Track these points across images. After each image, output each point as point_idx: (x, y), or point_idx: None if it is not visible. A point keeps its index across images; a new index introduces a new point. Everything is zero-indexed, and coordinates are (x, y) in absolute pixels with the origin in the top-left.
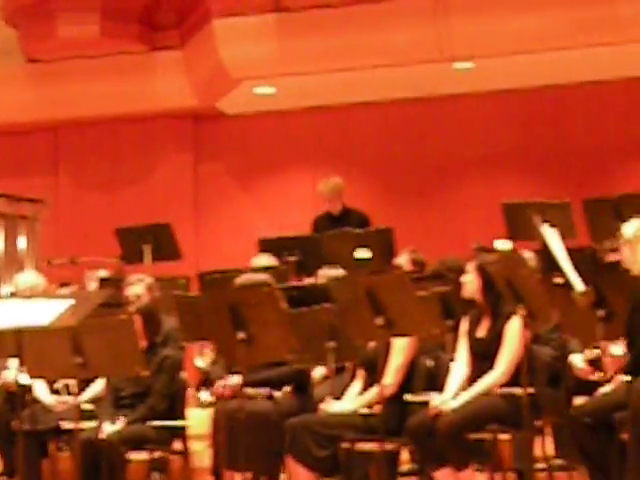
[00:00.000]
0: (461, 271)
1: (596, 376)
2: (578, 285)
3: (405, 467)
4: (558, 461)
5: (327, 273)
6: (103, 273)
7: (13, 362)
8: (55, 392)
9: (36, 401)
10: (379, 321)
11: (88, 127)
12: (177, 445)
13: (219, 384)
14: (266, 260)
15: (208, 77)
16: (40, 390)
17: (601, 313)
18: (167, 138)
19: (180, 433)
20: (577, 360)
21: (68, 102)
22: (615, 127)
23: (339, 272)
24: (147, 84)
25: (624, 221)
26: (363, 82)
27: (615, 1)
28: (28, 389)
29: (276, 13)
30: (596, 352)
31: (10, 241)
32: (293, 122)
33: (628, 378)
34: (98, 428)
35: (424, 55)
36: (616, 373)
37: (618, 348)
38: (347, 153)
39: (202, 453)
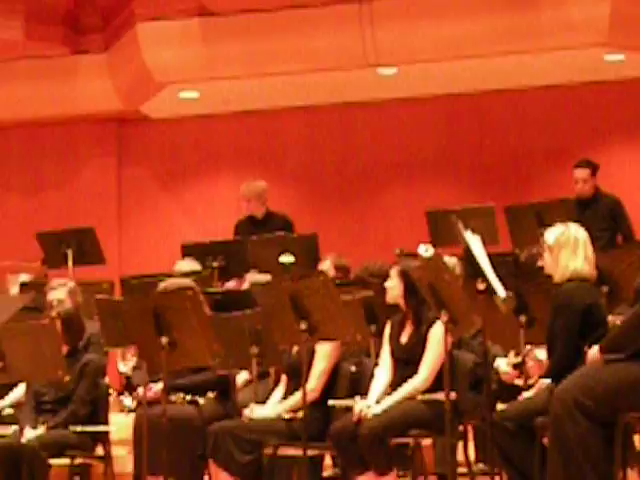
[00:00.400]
0: (385, 276)
1: (520, 380)
2: (500, 291)
3: (328, 472)
4: (480, 466)
5: (255, 277)
6: (25, 277)
7: None
8: None
9: None
10: (303, 326)
11: (11, 130)
12: (99, 450)
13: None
14: (189, 265)
15: (132, 81)
16: None
17: (523, 319)
18: (91, 142)
19: (102, 438)
20: (502, 364)
21: None
22: (536, 134)
23: (267, 277)
24: (71, 87)
25: (546, 227)
26: (288, 87)
27: (535, 10)
28: None
29: (201, 17)
30: (519, 357)
31: None
32: (217, 126)
33: (549, 382)
34: (19, 433)
35: (348, 61)
36: (539, 378)
37: (543, 352)
38: (272, 158)
39: (124, 458)
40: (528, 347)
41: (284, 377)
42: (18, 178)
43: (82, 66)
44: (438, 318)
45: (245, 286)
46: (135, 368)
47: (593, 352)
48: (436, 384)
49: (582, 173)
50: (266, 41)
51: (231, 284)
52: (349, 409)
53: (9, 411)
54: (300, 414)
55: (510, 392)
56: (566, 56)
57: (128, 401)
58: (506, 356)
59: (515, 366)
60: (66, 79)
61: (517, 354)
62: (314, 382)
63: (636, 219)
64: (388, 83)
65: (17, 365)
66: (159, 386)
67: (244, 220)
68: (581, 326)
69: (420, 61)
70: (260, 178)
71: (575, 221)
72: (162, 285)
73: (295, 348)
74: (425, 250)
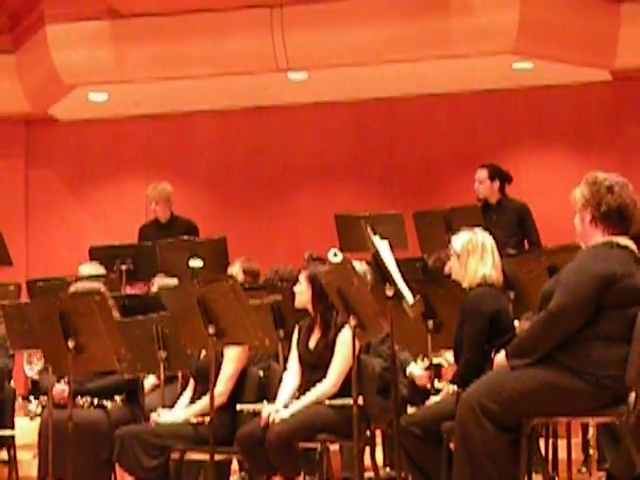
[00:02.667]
0: (294, 281)
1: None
2: (408, 296)
3: (235, 477)
4: (388, 471)
5: (163, 282)
6: None
7: None
8: None
9: None
10: (211, 330)
11: None
12: (3, 455)
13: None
14: (93, 268)
15: (41, 82)
16: None
17: (431, 324)
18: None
19: (7, 442)
20: (415, 369)
21: None
22: (446, 140)
23: (173, 281)
24: None
25: (454, 233)
26: (198, 91)
27: (444, 16)
28: None
29: (111, 20)
30: (429, 360)
31: None
32: (127, 129)
33: (455, 387)
34: None
35: (259, 65)
36: (447, 383)
37: (449, 359)
38: (181, 162)
39: (29, 463)
40: (439, 352)
41: (192, 381)
42: None
43: None
44: (346, 323)
45: (153, 290)
46: (42, 372)
47: (500, 357)
48: (344, 389)
49: (479, 174)
50: (176, 44)
51: (138, 288)
52: (257, 414)
53: None
54: (207, 418)
55: (421, 397)
56: (475, 63)
57: (33, 405)
58: (415, 361)
59: (427, 368)
60: None
61: (424, 358)
62: (222, 386)
63: (544, 225)
64: (298, 88)
65: None
66: (63, 387)
67: (148, 224)
68: (489, 332)
69: (330, 66)
70: (169, 181)
71: (482, 227)
72: (71, 288)
73: (203, 352)
74: (334, 255)
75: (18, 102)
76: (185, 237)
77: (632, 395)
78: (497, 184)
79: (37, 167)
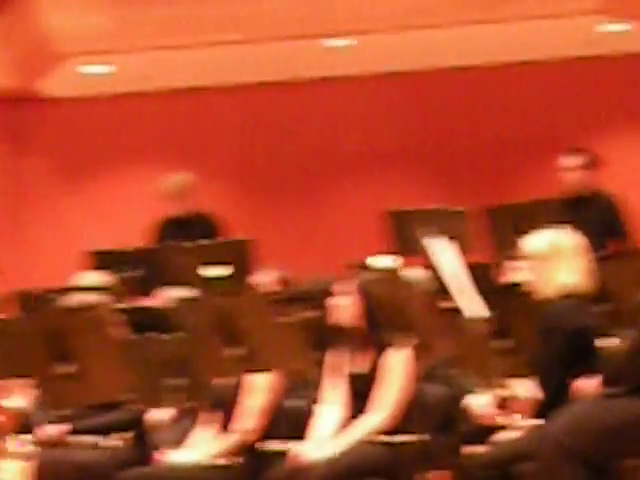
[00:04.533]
0: (333, 293)
1: (501, 421)
2: (472, 310)
3: None
4: None
5: (169, 294)
6: None
7: None
8: None
9: None
10: (233, 353)
11: None
12: None
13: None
14: (94, 277)
15: (28, 52)
16: None
17: (501, 344)
18: None
19: None
20: (477, 403)
21: None
22: (517, 121)
23: (183, 292)
24: None
25: (527, 232)
26: (218, 61)
27: None
28: None
29: None
30: (500, 392)
31: None
32: (133, 108)
33: (537, 422)
34: None
35: (291, 30)
36: (523, 417)
37: (524, 388)
38: (197, 147)
39: None
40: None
41: (210, 415)
42: None
43: None
44: (401, 343)
45: (161, 303)
46: (32, 404)
47: (587, 385)
48: (398, 423)
49: (568, 160)
50: (192, 5)
51: (149, 300)
52: (288, 454)
53: None
54: (230, 460)
55: (480, 434)
56: (554, 26)
57: (17, 445)
58: (478, 391)
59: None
60: None
61: (493, 388)
62: (252, 421)
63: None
64: (339, 57)
65: None
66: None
67: (164, 222)
68: (572, 353)
69: (378, 31)
70: (183, 171)
71: (565, 224)
72: (65, 301)
73: (224, 380)
74: (384, 261)
75: (2, 76)
76: (202, 239)
77: None
78: (590, 173)
79: (26, 155)
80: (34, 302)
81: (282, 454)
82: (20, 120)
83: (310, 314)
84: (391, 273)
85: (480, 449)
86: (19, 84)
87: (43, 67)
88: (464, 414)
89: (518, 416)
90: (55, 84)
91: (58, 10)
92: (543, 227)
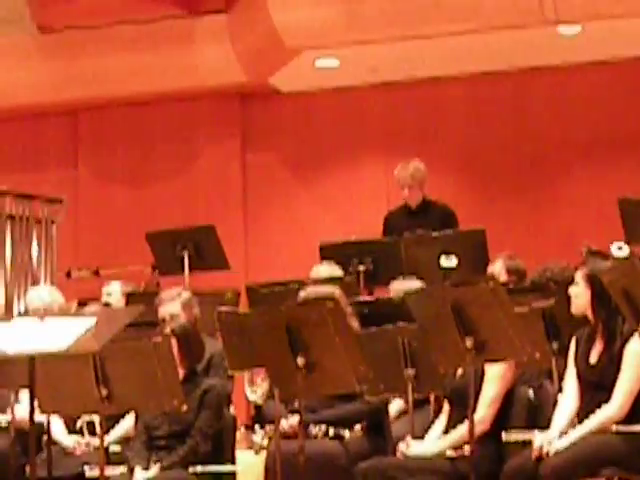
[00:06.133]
0: (569, 282)
1: None
2: None
3: None
4: None
5: (402, 285)
6: (127, 287)
7: (25, 395)
8: (76, 431)
9: (54, 442)
10: (468, 343)
11: (113, 109)
12: None
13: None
14: (329, 270)
15: (259, 47)
16: (57, 429)
17: None
18: (209, 121)
19: None
20: None
21: (89, 79)
22: None
23: (416, 283)
24: (186, 56)
25: None
26: (446, 51)
27: None
28: (44, 428)
29: None
30: None
31: (21, 249)
32: (362, 101)
33: None
34: (128, 475)
35: (523, 18)
36: None
37: None
38: (427, 137)
39: None
40: None
41: (446, 405)
42: (123, 167)
43: (199, 31)
44: (635, 331)
45: (395, 294)
46: (266, 396)
47: None
48: (634, 413)
49: None
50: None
51: (380, 292)
52: (527, 444)
53: (115, 448)
54: (467, 450)
55: None
56: None
57: (258, 436)
58: None
59: None
60: (180, 47)
61: None
62: (483, 411)
63: None
64: (569, 44)
65: (125, 393)
66: (295, 419)
67: (396, 211)
68: None
69: (607, 17)
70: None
71: None
72: (301, 295)
73: (460, 370)
74: (618, 248)
75: (232, 72)
76: (435, 229)
77: None
78: None
79: (256, 150)
80: (269, 296)
81: (520, 444)
82: (252, 115)
83: (544, 303)
84: (623, 260)
85: None
86: (249, 79)
87: (274, 62)
88: None
89: None
90: (286, 78)
91: (288, 5)
92: None
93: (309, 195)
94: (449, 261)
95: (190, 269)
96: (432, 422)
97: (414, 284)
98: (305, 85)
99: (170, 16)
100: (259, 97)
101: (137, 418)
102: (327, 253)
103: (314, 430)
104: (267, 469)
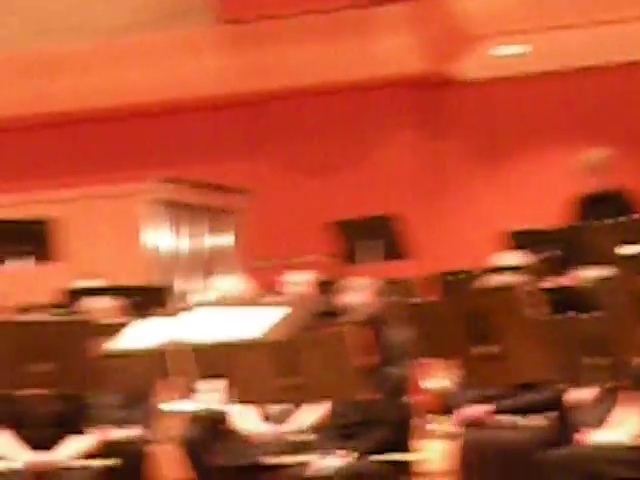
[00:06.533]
0: None
1: None
2: None
3: None
4: None
5: (587, 273)
6: (314, 276)
7: (215, 384)
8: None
9: (236, 430)
10: None
11: (294, 100)
12: None
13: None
14: (514, 257)
15: (439, 36)
16: (247, 417)
17: None
18: (389, 111)
19: (403, 469)
20: None
21: (271, 70)
22: None
23: (602, 271)
24: (365, 46)
25: None
26: (630, 38)
27: None
28: (224, 416)
29: None
30: None
31: (214, 239)
32: (547, 88)
33: None
34: (312, 463)
35: None
36: None
37: None
38: (613, 126)
39: None
40: None
41: (631, 395)
42: (304, 157)
43: (378, 20)
44: None
45: (579, 282)
46: (453, 384)
47: None
48: None
49: None
50: None
51: (568, 279)
52: None
53: (297, 437)
54: None
55: None
56: None
57: (443, 424)
58: None
59: None
60: (360, 36)
61: None
62: None
63: None
64: None
65: (316, 382)
66: (482, 408)
67: (582, 199)
68: None
69: None
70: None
71: None
72: (484, 282)
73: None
74: None
75: (412, 61)
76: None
77: None
78: None
79: (442, 139)
80: (454, 284)
81: None
82: (435, 104)
83: None
84: None
85: None
86: (432, 67)
87: (457, 50)
88: None
89: None
90: (469, 66)
91: None
92: None
93: (496, 183)
94: (635, 248)
95: (375, 258)
96: (618, 411)
97: (600, 271)
98: (488, 73)
99: (352, 5)
100: (440, 86)
101: (332, 407)
102: (514, 241)
103: (499, 418)
104: (463, 458)
